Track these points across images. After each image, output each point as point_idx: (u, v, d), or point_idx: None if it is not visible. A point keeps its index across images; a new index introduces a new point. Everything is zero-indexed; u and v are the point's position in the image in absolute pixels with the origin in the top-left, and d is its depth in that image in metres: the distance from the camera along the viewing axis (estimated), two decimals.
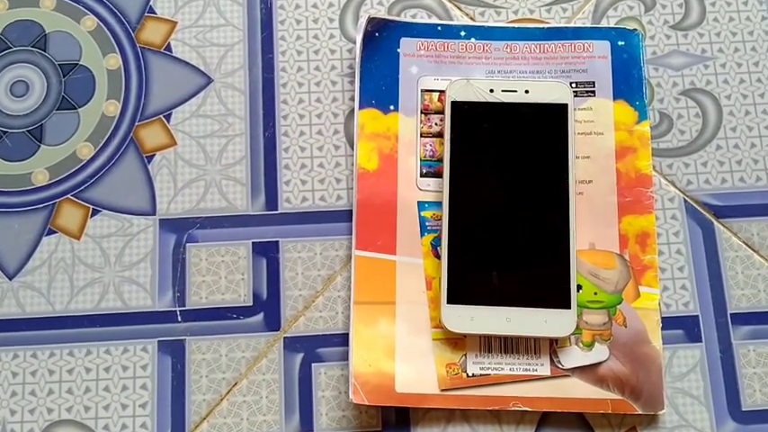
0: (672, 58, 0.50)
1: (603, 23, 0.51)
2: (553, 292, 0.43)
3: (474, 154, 0.45)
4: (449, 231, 0.44)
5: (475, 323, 0.43)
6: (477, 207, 0.45)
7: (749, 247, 0.47)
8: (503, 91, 0.46)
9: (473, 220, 0.44)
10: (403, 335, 0.44)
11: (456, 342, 0.44)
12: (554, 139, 0.45)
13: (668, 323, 0.45)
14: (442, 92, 0.48)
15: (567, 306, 0.43)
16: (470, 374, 0.44)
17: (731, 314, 0.46)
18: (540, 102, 0.46)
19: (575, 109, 0.47)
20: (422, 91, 0.48)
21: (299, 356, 0.46)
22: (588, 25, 0.50)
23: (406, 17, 0.51)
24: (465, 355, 0.44)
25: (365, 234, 0.46)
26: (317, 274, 0.47)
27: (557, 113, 0.46)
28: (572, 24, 0.50)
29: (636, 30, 0.49)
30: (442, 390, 0.43)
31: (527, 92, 0.46)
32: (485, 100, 0.46)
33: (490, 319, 0.43)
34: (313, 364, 0.45)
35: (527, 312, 0.43)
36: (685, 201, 0.48)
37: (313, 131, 0.49)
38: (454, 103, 0.46)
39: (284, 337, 0.46)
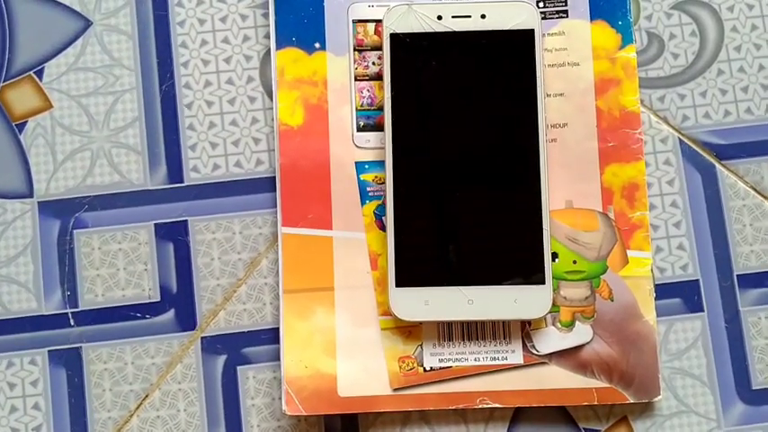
0: None
1: None
2: (523, 265, 0.37)
3: (421, 98, 0.39)
4: (395, 197, 0.38)
5: (430, 308, 0.37)
6: (429, 165, 0.38)
7: (759, 193, 0.41)
8: (453, 17, 0.39)
9: (424, 182, 0.38)
10: (345, 327, 0.39)
11: (410, 331, 0.39)
12: (519, 73, 0.38)
13: (663, 291, 0.40)
14: (378, 22, 0.40)
15: (541, 281, 0.37)
16: (428, 368, 0.38)
17: (738, 276, 0.40)
18: (499, 28, 0.39)
19: (543, 35, 0.40)
20: (354, 22, 0.41)
21: (221, 359, 0.39)
22: None
23: None
24: (421, 345, 0.39)
25: (293, 206, 0.39)
26: (237, 258, 0.40)
27: (521, 42, 0.39)
28: None
29: None
30: (395, 389, 0.38)
31: (483, 16, 0.39)
32: (432, 30, 0.39)
33: (449, 303, 0.37)
34: (238, 368, 0.39)
35: (493, 291, 0.37)
36: (681, 141, 0.41)
37: (221, 81, 0.41)
38: (394, 36, 0.39)
39: (202, 338, 0.40)
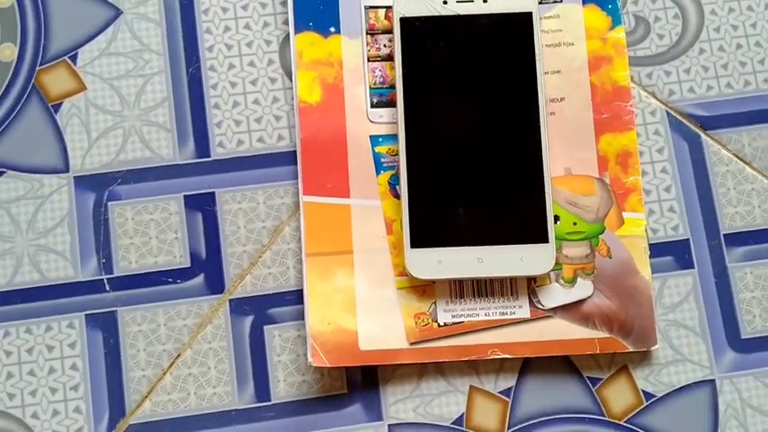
0: None
1: None
2: (528, 226, 0.40)
3: (430, 77, 0.41)
4: (407, 166, 0.40)
5: (443, 267, 0.39)
6: (438, 137, 0.40)
7: (740, 159, 0.43)
8: (458, 2, 0.41)
9: (434, 153, 0.40)
10: (363, 287, 0.40)
11: (424, 290, 0.41)
12: (519, 53, 0.41)
13: (656, 250, 0.42)
14: (389, 8, 0.43)
15: (545, 240, 0.39)
16: (442, 324, 0.40)
17: (724, 235, 0.42)
18: (500, 12, 0.41)
19: (540, 17, 0.42)
20: (366, 8, 0.43)
21: (249, 319, 0.41)
22: None
23: None
24: (434, 303, 0.40)
25: (313, 177, 0.41)
26: (261, 226, 0.42)
27: (520, 24, 0.41)
28: None
29: None
30: (412, 343, 0.40)
31: (485, 1, 0.41)
32: (438, 13, 0.41)
33: (460, 262, 0.39)
34: (265, 327, 0.41)
35: (500, 250, 0.39)
36: (668, 113, 0.44)
37: (244, 63, 0.43)
38: (403, 20, 0.41)
39: (230, 300, 0.41)
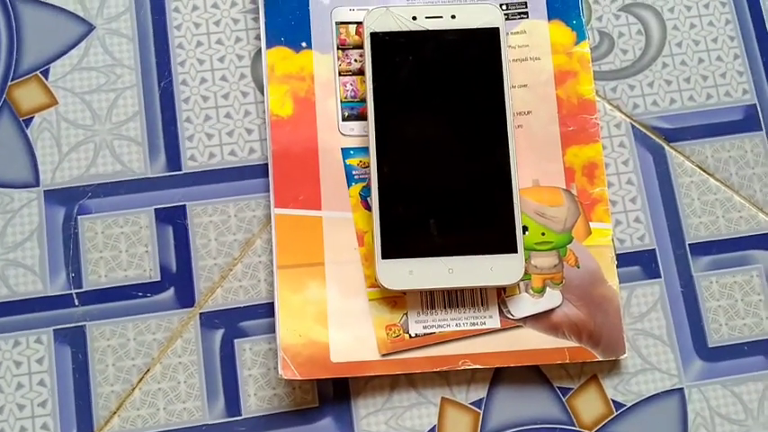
0: None
1: None
2: (497, 237, 0.40)
3: (400, 90, 0.41)
4: (378, 178, 0.40)
5: (414, 278, 0.39)
6: (408, 149, 0.41)
7: (704, 170, 0.44)
8: (427, 18, 0.42)
9: (404, 165, 0.41)
10: (335, 298, 0.40)
11: (395, 301, 0.41)
12: (487, 67, 0.42)
13: (623, 260, 0.43)
14: (359, 23, 0.44)
15: (514, 250, 0.40)
16: (413, 335, 0.40)
17: (690, 245, 0.43)
18: (468, 27, 0.42)
19: (507, 33, 0.43)
20: (336, 23, 0.44)
21: (219, 333, 0.41)
22: None
23: None
24: (406, 314, 0.41)
25: (285, 189, 0.41)
26: (232, 239, 0.42)
27: (488, 39, 0.42)
28: None
29: None
30: (383, 354, 0.40)
31: (453, 17, 0.42)
32: (407, 29, 0.42)
33: (431, 272, 0.39)
34: (235, 341, 0.41)
35: (470, 261, 0.40)
36: (633, 126, 0.45)
37: (216, 78, 0.44)
38: (373, 35, 0.42)
39: (200, 313, 0.41)
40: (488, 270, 0.39)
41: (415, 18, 0.42)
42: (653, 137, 0.44)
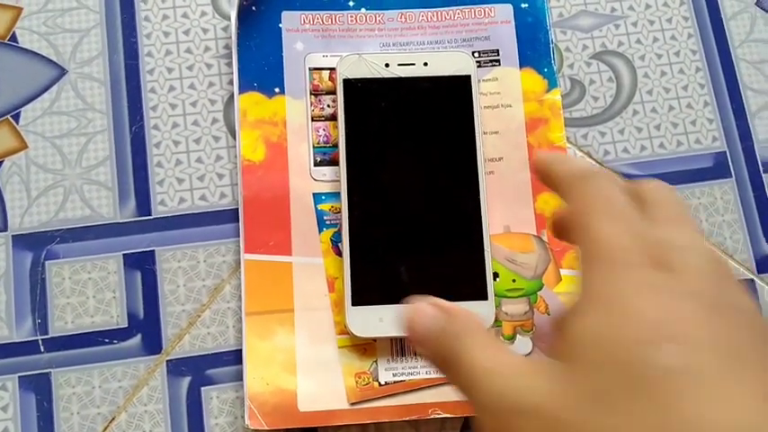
0: (580, 19, 0.47)
1: None
2: (468, 283, 0.40)
3: (372, 136, 0.42)
4: (349, 224, 0.40)
5: (384, 325, 0.39)
6: (380, 195, 0.41)
7: None
8: (399, 65, 0.42)
9: (376, 211, 0.41)
10: (304, 345, 0.40)
11: (365, 348, 0.40)
12: (459, 114, 0.42)
13: None
14: (332, 69, 0.44)
15: (484, 297, 0.40)
16: (383, 383, 0.40)
17: None
18: (440, 75, 0.42)
19: (479, 80, 0.44)
20: (310, 69, 0.44)
21: (186, 381, 0.40)
22: None
23: None
24: (376, 361, 0.40)
25: (255, 234, 0.41)
26: (201, 284, 0.41)
27: (460, 86, 0.42)
28: None
29: None
30: (352, 403, 0.39)
31: (426, 64, 0.42)
32: (380, 76, 0.42)
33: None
34: (202, 388, 0.40)
35: None
36: None
37: (188, 122, 0.44)
38: (346, 81, 0.42)
39: (167, 360, 0.41)
40: None
41: (387, 65, 0.42)
42: None
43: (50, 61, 0.44)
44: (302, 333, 0.40)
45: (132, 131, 0.43)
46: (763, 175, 0.45)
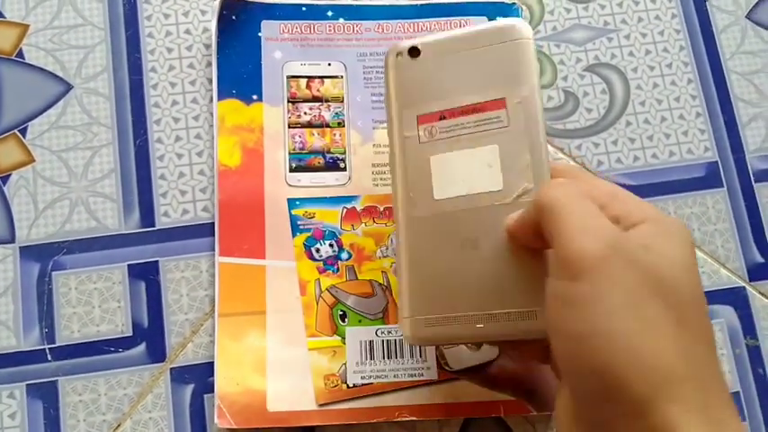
0: (573, 32, 0.48)
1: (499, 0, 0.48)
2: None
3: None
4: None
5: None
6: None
7: None
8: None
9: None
10: (275, 347, 0.41)
11: (334, 351, 0.41)
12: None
13: None
14: (310, 78, 0.45)
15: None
16: (351, 385, 0.41)
17: None
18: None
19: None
20: (288, 77, 0.45)
21: (189, 388, 0.41)
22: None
23: None
24: (344, 364, 0.41)
25: (229, 238, 0.43)
26: (203, 294, 0.42)
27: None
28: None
29: (514, 3, 0.47)
30: (320, 405, 0.40)
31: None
32: None
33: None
34: (205, 396, 0.41)
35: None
36: None
37: (190, 135, 0.45)
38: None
39: (171, 368, 0.42)
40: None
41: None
42: None
43: (56, 77, 0.45)
44: (273, 335, 0.41)
45: (136, 145, 0.45)
46: (754, 185, 0.46)
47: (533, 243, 0.31)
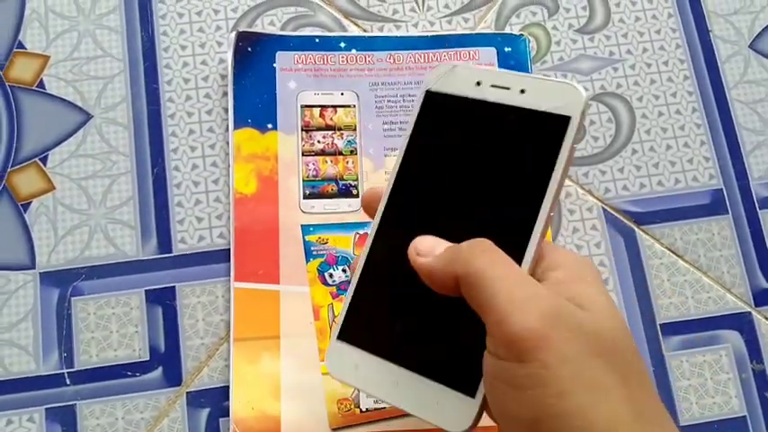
0: (580, 62, 0.49)
1: (508, 32, 0.49)
2: (458, 368, 0.30)
3: (433, 163, 0.33)
4: (370, 252, 0.33)
5: (358, 374, 0.32)
6: (413, 226, 0.32)
7: (673, 252, 0.46)
8: (492, 86, 0.32)
9: (404, 242, 0.31)
10: (289, 371, 0.42)
11: None
12: (537, 163, 0.30)
13: None
14: (323, 107, 0.46)
15: (471, 393, 0.29)
16: (364, 409, 0.42)
17: (661, 325, 0.45)
18: (534, 108, 0.31)
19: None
20: (302, 107, 0.47)
21: (205, 412, 0.42)
22: (473, 32, 0.49)
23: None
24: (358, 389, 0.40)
25: (245, 264, 0.44)
26: (219, 319, 0.43)
27: (552, 128, 0.30)
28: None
29: (522, 35, 0.49)
30: (334, 429, 0.41)
31: (523, 91, 0.31)
32: (465, 95, 0.33)
33: (377, 375, 0.31)
34: (221, 420, 0.42)
35: (419, 382, 0.30)
36: (604, 209, 0.46)
37: (207, 164, 0.46)
38: (428, 94, 0.34)
39: (187, 392, 0.42)
40: (434, 403, 0.29)
41: (479, 83, 0.32)
42: (624, 220, 0.46)
43: (76, 107, 0.47)
44: (287, 359, 0.42)
45: (154, 173, 0.46)
46: (758, 212, 0.47)
47: (446, 292, 0.28)
